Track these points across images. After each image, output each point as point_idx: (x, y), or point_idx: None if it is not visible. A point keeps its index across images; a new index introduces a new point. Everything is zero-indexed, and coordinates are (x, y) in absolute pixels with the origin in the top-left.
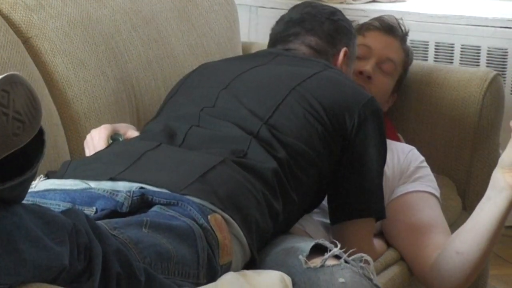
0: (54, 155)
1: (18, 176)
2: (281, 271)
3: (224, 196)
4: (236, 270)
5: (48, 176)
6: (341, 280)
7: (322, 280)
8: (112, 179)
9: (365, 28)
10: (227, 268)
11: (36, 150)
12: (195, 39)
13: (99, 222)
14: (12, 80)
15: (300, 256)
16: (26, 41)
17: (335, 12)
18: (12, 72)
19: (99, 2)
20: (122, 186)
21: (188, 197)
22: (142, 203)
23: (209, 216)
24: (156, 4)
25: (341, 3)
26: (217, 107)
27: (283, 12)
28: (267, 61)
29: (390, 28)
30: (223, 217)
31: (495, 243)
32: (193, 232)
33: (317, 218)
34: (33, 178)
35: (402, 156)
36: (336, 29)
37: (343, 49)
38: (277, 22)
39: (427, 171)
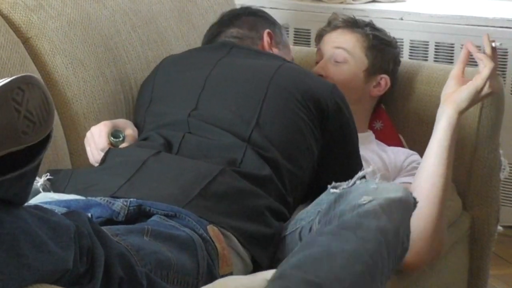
0: (53, 155)
1: (20, 168)
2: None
3: (225, 211)
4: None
5: (50, 175)
6: (373, 186)
7: (354, 188)
8: (111, 197)
9: (316, 39)
10: None
11: (40, 145)
12: (194, 39)
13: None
14: (29, 81)
15: (328, 186)
16: (26, 41)
17: (249, 6)
18: (30, 74)
19: (98, 3)
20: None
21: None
22: (139, 213)
23: (208, 227)
24: (156, 5)
25: (341, 3)
26: (201, 110)
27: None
28: (225, 53)
29: (334, 26)
30: (220, 231)
31: (447, 175)
32: (193, 242)
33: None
34: (34, 174)
35: (403, 157)
36: (253, 18)
37: (266, 31)
38: (204, 38)
39: None
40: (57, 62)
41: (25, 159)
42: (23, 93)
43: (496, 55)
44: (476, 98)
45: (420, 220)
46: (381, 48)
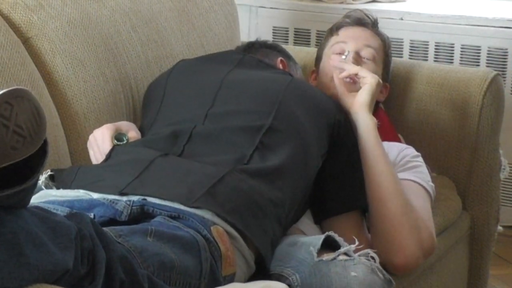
0: (54, 155)
1: (17, 185)
2: (291, 263)
3: (234, 210)
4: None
5: (54, 175)
6: (353, 274)
7: (334, 273)
8: (120, 194)
9: (335, 28)
10: (230, 280)
11: (38, 159)
12: (194, 39)
13: (104, 228)
14: (18, 94)
15: (311, 248)
16: (26, 41)
17: (266, 40)
18: (20, 87)
19: (98, 3)
20: (126, 197)
21: (190, 210)
22: (142, 213)
23: (211, 228)
24: (156, 4)
25: (341, 3)
26: (218, 107)
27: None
28: (236, 63)
29: (358, 20)
30: (226, 230)
31: (388, 170)
32: (197, 243)
33: (307, 214)
34: (33, 187)
35: (396, 152)
36: (267, 47)
37: (279, 59)
38: None
39: (418, 163)
40: (57, 62)
41: (23, 173)
42: (12, 107)
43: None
44: (374, 92)
45: (385, 220)
46: (391, 56)
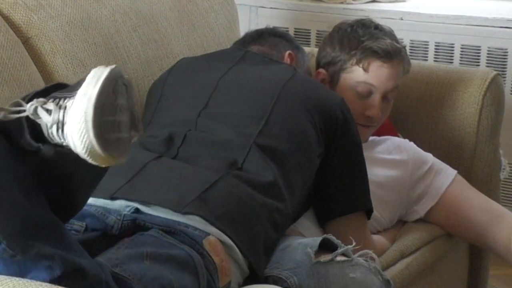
0: None
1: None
2: (289, 266)
3: (224, 216)
4: (234, 287)
5: None
6: (352, 275)
7: (332, 274)
8: (110, 198)
9: (364, 56)
10: None
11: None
12: (195, 39)
13: (100, 260)
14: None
15: (309, 249)
16: (26, 41)
17: (275, 27)
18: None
19: (99, 2)
20: (118, 205)
21: (182, 220)
22: (134, 227)
23: (203, 241)
24: (156, 4)
25: (341, 3)
26: (212, 108)
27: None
28: (238, 58)
29: (389, 55)
30: (219, 238)
31: None
32: (193, 260)
33: (308, 216)
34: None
35: (392, 147)
36: (278, 39)
37: (287, 52)
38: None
39: (428, 165)
40: (58, 62)
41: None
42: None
43: None
44: None
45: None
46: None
